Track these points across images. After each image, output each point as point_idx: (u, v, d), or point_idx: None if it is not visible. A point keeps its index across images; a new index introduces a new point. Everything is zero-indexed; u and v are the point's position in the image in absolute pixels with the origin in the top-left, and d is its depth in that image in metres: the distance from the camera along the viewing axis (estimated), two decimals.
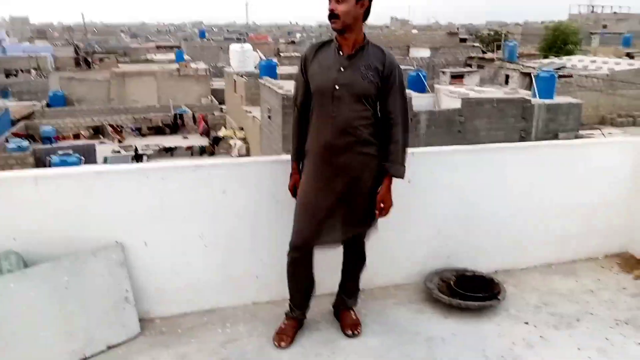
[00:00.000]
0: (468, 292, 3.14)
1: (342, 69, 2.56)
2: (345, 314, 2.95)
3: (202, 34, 62.90)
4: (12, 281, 2.52)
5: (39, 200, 2.74)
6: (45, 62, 42.41)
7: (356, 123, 2.57)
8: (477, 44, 45.19)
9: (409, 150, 3.31)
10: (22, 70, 41.51)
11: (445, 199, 3.46)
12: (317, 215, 2.66)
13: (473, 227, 3.55)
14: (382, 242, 3.07)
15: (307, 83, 2.67)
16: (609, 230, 3.91)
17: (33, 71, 39.77)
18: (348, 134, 2.57)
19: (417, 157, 3.34)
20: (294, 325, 2.85)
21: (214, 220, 3.03)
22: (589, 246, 3.90)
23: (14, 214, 2.72)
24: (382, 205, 2.69)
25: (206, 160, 3.07)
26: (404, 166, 2.71)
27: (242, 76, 22.66)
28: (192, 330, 2.91)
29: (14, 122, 25.50)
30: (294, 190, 2.81)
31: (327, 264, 2.91)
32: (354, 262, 2.90)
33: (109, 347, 2.71)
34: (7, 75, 40.07)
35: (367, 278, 3.06)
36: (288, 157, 3.22)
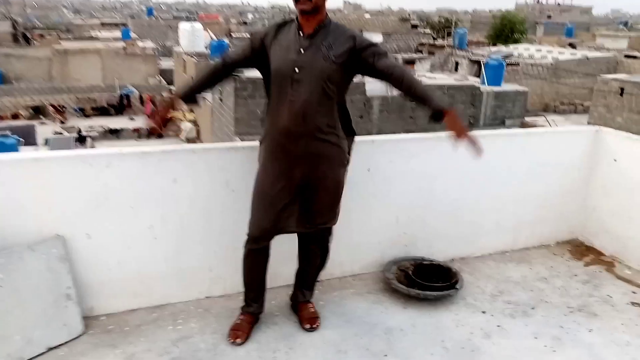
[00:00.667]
0: (426, 281, 3.12)
1: (302, 51, 2.41)
2: (304, 307, 2.86)
3: (149, 12, 60.64)
4: None
5: None
6: None
7: (316, 108, 2.43)
8: (428, 31, 45.74)
9: (368, 138, 3.25)
10: None
11: (403, 187, 3.41)
12: (275, 205, 2.53)
13: (430, 216, 3.53)
14: (341, 231, 2.97)
15: (256, 56, 2.52)
16: (560, 217, 4.00)
17: None
18: (307, 120, 2.43)
19: (376, 145, 3.28)
20: (249, 320, 2.73)
21: (164, 210, 2.85)
22: (541, 233, 3.97)
23: None
24: (458, 133, 2.39)
25: (155, 147, 2.87)
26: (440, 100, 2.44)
27: (192, 56, 22.01)
28: (140, 328, 2.74)
29: None
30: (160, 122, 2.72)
31: (283, 254, 2.81)
32: (316, 257, 2.79)
33: (49, 349, 2.51)
34: None
35: (325, 269, 2.97)
36: (243, 143, 3.08)
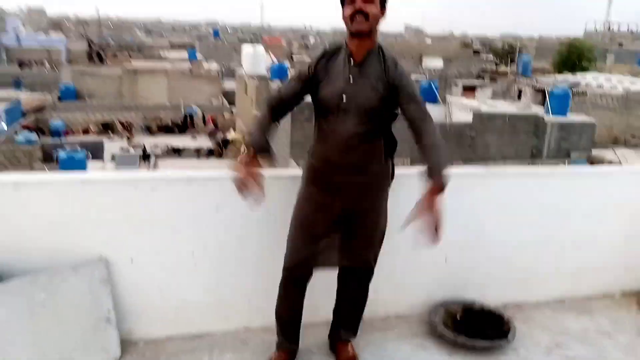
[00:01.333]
0: (475, 328, 2.93)
1: (350, 79, 2.34)
2: (342, 348, 2.74)
3: (215, 34, 63.07)
4: None
5: (19, 208, 2.56)
6: (59, 54, 42.66)
7: (361, 139, 2.36)
8: (490, 57, 44.93)
9: (416, 171, 3.12)
10: (35, 62, 41.78)
11: (454, 225, 3.21)
12: (313, 236, 2.46)
13: (482, 256, 3.34)
14: (386, 268, 2.85)
15: (305, 86, 2.42)
16: (627, 265, 3.68)
17: (46, 63, 40.00)
18: (350, 151, 2.36)
19: (424, 180, 3.14)
20: (284, 357, 2.64)
21: (206, 237, 2.84)
22: (605, 282, 3.66)
23: None
24: (426, 217, 2.24)
25: (199, 173, 2.87)
26: (445, 174, 2.29)
27: (253, 78, 22.56)
28: (176, 356, 2.71)
29: (24, 114, 25.58)
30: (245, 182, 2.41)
31: (323, 288, 2.71)
32: (354, 295, 2.69)
33: None
34: (21, 65, 40.35)
35: (368, 306, 2.83)
36: (287, 172, 3.03)
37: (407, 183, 2.67)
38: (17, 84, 35.25)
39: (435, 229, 2.28)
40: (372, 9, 2.27)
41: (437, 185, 2.28)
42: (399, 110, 2.42)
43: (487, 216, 3.29)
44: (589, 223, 3.53)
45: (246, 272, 2.93)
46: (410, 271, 3.19)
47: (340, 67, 2.38)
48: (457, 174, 3.35)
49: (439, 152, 2.33)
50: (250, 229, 2.88)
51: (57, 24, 74.75)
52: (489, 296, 3.31)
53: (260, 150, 2.43)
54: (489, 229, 3.30)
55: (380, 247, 2.60)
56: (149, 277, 2.80)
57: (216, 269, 2.89)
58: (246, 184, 2.39)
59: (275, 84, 17.21)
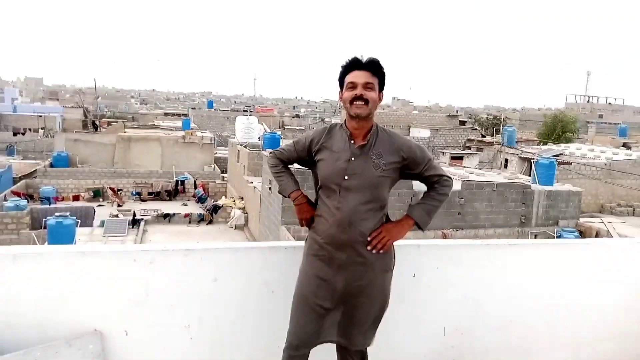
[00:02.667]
0: None
1: (352, 159, 2.43)
2: None
3: (210, 104, 64.48)
4: None
5: (14, 280, 2.54)
6: (54, 122, 43.27)
7: (363, 215, 2.41)
8: (476, 127, 46.20)
9: (414, 242, 3.16)
10: (30, 130, 42.25)
11: (451, 296, 3.25)
12: (316, 313, 2.45)
13: (479, 328, 3.32)
14: (383, 340, 2.82)
15: (305, 160, 2.58)
16: (625, 337, 3.67)
17: (41, 131, 40.45)
18: (353, 228, 2.40)
19: (422, 250, 3.17)
20: None
21: (202, 310, 2.80)
22: (604, 354, 3.63)
23: None
24: (381, 234, 2.42)
25: (198, 244, 2.88)
26: (425, 220, 2.52)
27: (245, 147, 22.93)
28: None
29: (16, 180, 25.55)
30: (310, 221, 2.56)
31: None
32: None
33: None
34: (15, 133, 40.76)
35: None
36: (286, 243, 3.05)
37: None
38: (10, 151, 35.49)
39: (384, 245, 2.45)
40: (372, 95, 2.42)
41: (413, 219, 2.50)
42: (411, 178, 2.56)
43: (484, 287, 3.30)
44: (584, 294, 3.55)
45: (243, 346, 2.88)
46: (408, 343, 3.15)
47: (340, 146, 2.47)
48: (452, 245, 3.42)
49: (436, 205, 2.54)
50: (248, 301, 2.86)
51: (54, 93, 76.25)
52: None
53: (298, 188, 2.62)
54: (486, 300, 3.30)
55: (378, 325, 2.58)
56: (143, 351, 2.73)
57: (212, 343, 2.83)
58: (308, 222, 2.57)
59: (267, 153, 17.48)
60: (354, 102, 2.40)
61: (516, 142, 33.23)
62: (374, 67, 2.44)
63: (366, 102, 2.40)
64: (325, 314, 2.46)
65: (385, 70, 2.48)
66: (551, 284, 3.47)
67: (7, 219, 18.53)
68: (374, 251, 2.42)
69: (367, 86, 2.41)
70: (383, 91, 2.49)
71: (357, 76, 2.41)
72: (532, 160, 21.42)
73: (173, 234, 19.22)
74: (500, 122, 41.65)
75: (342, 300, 2.45)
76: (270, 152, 2.71)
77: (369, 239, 2.41)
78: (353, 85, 2.41)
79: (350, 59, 2.46)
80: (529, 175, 18.80)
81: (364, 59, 2.44)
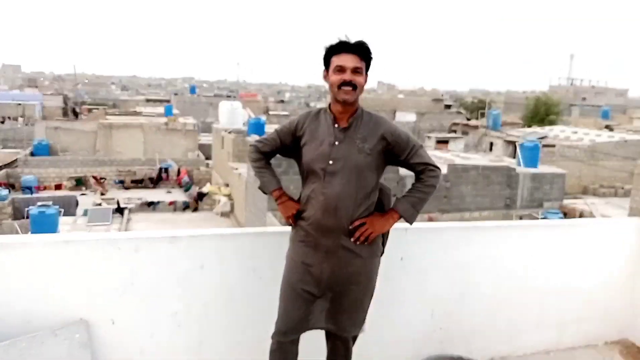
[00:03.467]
0: None
1: (336, 143, 2.39)
2: None
3: (192, 90, 63.72)
4: None
5: None
6: (33, 110, 42.43)
7: (350, 200, 2.38)
8: (461, 111, 46.38)
9: (401, 226, 3.15)
10: (9, 118, 41.42)
11: (439, 279, 3.26)
12: (304, 299, 2.43)
13: (467, 310, 3.34)
14: (371, 324, 2.82)
15: (289, 147, 2.52)
16: (608, 315, 3.73)
17: (20, 119, 39.70)
18: (339, 213, 2.37)
19: (410, 233, 3.17)
20: None
21: (189, 297, 2.78)
22: (588, 332, 3.69)
23: None
24: (364, 226, 2.39)
25: (184, 231, 2.84)
26: (412, 214, 2.46)
27: (230, 133, 22.74)
28: None
29: None
30: (296, 217, 2.50)
31: (313, 348, 2.65)
32: (341, 357, 2.64)
33: None
34: None
35: None
36: (273, 229, 3.03)
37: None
38: None
39: (367, 236, 2.41)
40: (360, 80, 2.37)
41: (399, 213, 2.45)
42: (397, 164, 2.50)
43: (471, 270, 3.32)
44: (568, 274, 3.59)
45: (231, 333, 2.86)
46: (396, 326, 3.16)
47: (324, 130, 2.43)
48: (440, 228, 3.42)
49: (422, 197, 2.47)
50: (235, 287, 2.84)
51: (32, 80, 74.74)
52: (476, 350, 3.29)
53: (279, 186, 2.56)
54: (473, 283, 3.32)
55: (366, 312, 2.57)
56: (130, 339, 2.70)
57: (199, 330, 2.82)
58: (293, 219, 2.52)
59: (252, 138, 17.36)
60: (342, 87, 2.36)
61: (501, 125, 33.47)
62: (363, 51, 2.38)
63: (354, 87, 2.36)
64: (313, 300, 2.44)
65: (372, 54, 2.43)
66: (537, 265, 3.51)
67: None
68: (357, 243, 2.40)
69: (355, 71, 2.36)
70: (368, 73, 2.45)
71: (346, 60, 2.35)
72: (516, 143, 21.59)
73: (158, 222, 19.06)
74: (485, 106, 41.87)
75: (329, 287, 2.43)
76: (251, 145, 2.64)
77: (350, 227, 2.38)
78: (341, 69, 2.35)
79: (338, 39, 2.39)
80: (514, 158, 18.96)
81: (352, 41, 2.38)
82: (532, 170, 16.57)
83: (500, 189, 15.72)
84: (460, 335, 3.31)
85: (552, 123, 37.02)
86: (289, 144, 2.52)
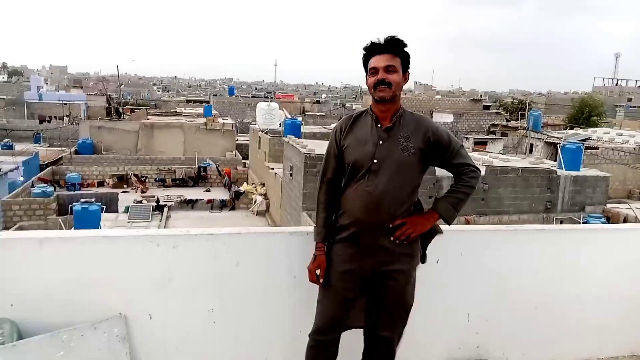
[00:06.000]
0: None
1: (380, 142, 2.41)
2: None
3: (231, 91, 64.62)
4: (2, 354, 2.32)
5: (41, 264, 2.58)
6: (78, 110, 43.89)
7: (392, 199, 2.39)
8: (500, 112, 45.41)
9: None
10: (55, 117, 42.99)
11: (475, 283, 3.20)
12: (344, 296, 2.45)
13: (504, 315, 3.27)
14: (407, 327, 2.80)
15: (340, 158, 2.50)
16: None
17: (66, 118, 41.12)
18: (381, 211, 2.38)
19: (446, 235, 3.12)
20: None
21: (225, 294, 2.82)
22: (632, 342, 3.55)
23: (14, 277, 2.55)
24: (405, 226, 2.39)
25: (221, 229, 2.88)
26: (452, 215, 2.48)
27: (266, 133, 22.94)
28: None
29: (42, 167, 26.07)
30: (314, 273, 2.54)
31: (349, 350, 2.64)
32: None
33: None
34: (41, 121, 41.53)
35: None
36: (308, 228, 3.03)
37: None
38: (36, 138, 36.19)
39: (407, 236, 2.42)
40: (395, 77, 2.38)
41: (439, 214, 2.47)
42: (439, 165, 2.51)
43: (509, 274, 3.24)
44: (612, 280, 3.47)
45: (265, 331, 2.88)
46: (431, 330, 3.12)
47: (367, 131, 2.45)
48: (478, 230, 3.36)
49: (462, 198, 2.49)
50: (270, 285, 2.87)
51: (77, 81, 77.32)
52: (512, 356, 3.22)
53: (324, 240, 2.53)
54: (510, 287, 3.25)
55: (405, 322, 2.56)
56: (166, 335, 2.76)
57: (234, 327, 2.85)
58: (317, 278, 2.52)
59: (288, 138, 17.46)
60: (377, 87, 2.38)
61: (542, 126, 32.60)
62: (394, 48, 2.39)
63: (389, 85, 2.37)
64: (352, 298, 2.45)
65: (407, 48, 2.42)
66: (578, 270, 3.40)
67: (35, 205, 18.93)
68: (397, 242, 2.40)
69: (388, 69, 2.37)
70: (409, 70, 2.44)
71: (378, 60, 2.38)
72: (558, 145, 20.99)
73: (196, 219, 19.39)
74: (526, 107, 40.88)
75: (368, 285, 2.44)
76: (320, 181, 2.59)
77: (390, 226, 2.38)
78: (375, 71, 2.39)
79: (369, 42, 2.42)
80: (555, 161, 18.43)
81: (382, 40, 2.39)
82: (574, 173, 16.06)
83: (540, 191, 15.30)
84: (497, 340, 3.24)
85: (596, 125, 35.83)
86: (339, 150, 2.52)
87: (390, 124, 2.43)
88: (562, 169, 16.39)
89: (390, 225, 2.39)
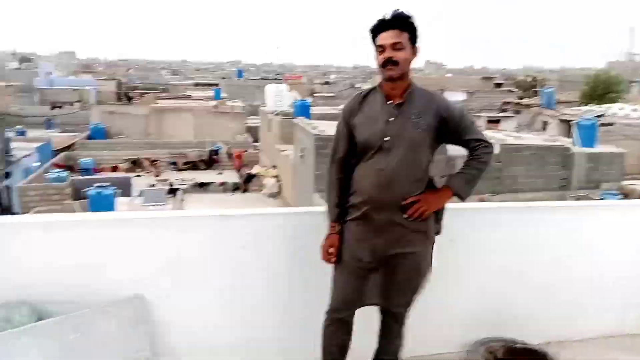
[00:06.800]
0: None
1: (390, 119, 2.36)
2: None
3: (240, 74, 64.41)
4: (21, 336, 2.34)
5: (57, 248, 2.59)
6: (89, 95, 44.07)
7: (404, 176, 2.35)
8: (513, 89, 44.80)
9: (451, 206, 3.06)
10: (66, 103, 43.23)
11: (491, 260, 3.17)
12: (358, 273, 2.42)
13: (521, 292, 3.24)
14: (420, 305, 2.77)
15: (350, 137, 2.45)
16: None
17: (77, 104, 41.34)
18: (393, 189, 2.34)
19: (460, 213, 3.09)
20: None
21: (235, 275, 2.82)
22: None
23: (30, 261, 2.56)
24: (418, 203, 2.35)
25: (231, 210, 2.87)
26: (465, 190, 2.44)
27: (276, 115, 22.87)
28: None
29: (56, 153, 26.31)
30: (328, 252, 2.51)
31: (363, 327, 2.63)
32: (390, 341, 2.62)
33: None
34: (53, 107, 41.79)
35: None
36: (320, 209, 3.00)
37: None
38: (48, 124, 36.46)
39: (420, 214, 2.37)
40: (401, 55, 2.32)
41: (453, 189, 2.43)
42: (451, 142, 2.46)
43: (525, 251, 3.20)
44: (633, 256, 3.41)
45: (278, 312, 2.88)
46: (447, 308, 3.11)
47: (377, 108, 2.40)
48: (492, 208, 3.32)
49: (476, 173, 2.44)
50: (281, 266, 2.86)
51: (86, 67, 77.52)
52: (531, 333, 3.18)
53: (336, 219, 2.50)
54: (527, 265, 3.21)
55: (418, 293, 2.53)
56: (181, 315, 2.77)
57: (248, 308, 2.85)
58: (331, 255, 2.48)
59: (299, 120, 17.39)
60: (386, 66, 2.33)
61: (556, 103, 32.11)
62: (400, 23, 2.32)
63: (396, 63, 2.31)
64: (366, 275, 2.43)
65: (414, 21, 2.34)
66: (595, 247, 3.35)
67: (50, 191, 19.12)
68: (410, 219, 2.36)
69: (395, 47, 2.31)
70: (417, 44, 2.37)
71: (384, 38, 2.32)
72: (572, 122, 20.70)
73: (209, 202, 19.50)
74: (539, 83, 40.29)
75: (381, 262, 2.41)
76: (330, 160, 2.54)
77: (403, 203, 2.35)
78: (382, 49, 2.33)
79: (376, 20, 2.35)
80: (570, 138, 18.20)
81: (389, 16, 2.32)
82: (589, 149, 15.85)
83: (555, 169, 15.13)
84: (514, 318, 3.21)
85: (612, 101, 35.22)
86: (350, 129, 2.47)
87: (401, 100, 2.37)
88: (577, 145, 16.18)
89: (403, 203, 2.36)
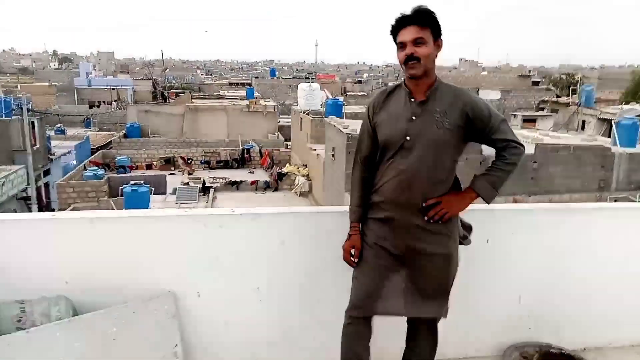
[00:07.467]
0: None
1: (413, 118, 2.30)
2: None
3: (272, 73, 64.84)
4: (59, 330, 2.41)
5: (93, 243, 2.65)
6: (126, 95, 45.15)
7: (425, 178, 2.29)
8: (550, 87, 43.71)
9: (488, 207, 3.00)
10: (104, 102, 44.39)
11: (527, 263, 3.09)
12: (379, 271, 2.38)
13: (559, 296, 3.15)
14: (455, 308, 2.72)
15: (374, 135, 2.41)
16: None
17: (114, 103, 42.38)
18: (413, 190, 2.28)
19: (496, 215, 3.03)
20: None
21: (271, 272, 2.83)
22: None
23: (68, 256, 2.63)
24: (439, 205, 2.29)
25: (266, 209, 2.88)
26: (491, 192, 2.35)
27: (308, 114, 22.93)
28: None
29: (93, 151, 27.05)
30: (349, 252, 2.48)
31: (389, 332, 2.61)
32: (422, 348, 2.56)
33: None
34: (91, 106, 42.98)
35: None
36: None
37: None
38: (87, 123, 37.53)
39: (442, 215, 2.31)
40: (424, 50, 2.24)
41: (477, 192, 2.34)
42: (479, 141, 2.38)
43: (562, 254, 3.11)
44: None
45: (310, 310, 2.88)
46: (481, 311, 3.05)
47: (400, 106, 2.35)
48: (529, 210, 3.24)
49: (502, 176, 2.35)
50: (315, 264, 2.85)
51: (124, 67, 79.35)
52: (567, 339, 3.10)
53: (358, 220, 2.48)
54: (564, 268, 3.12)
55: (448, 296, 2.46)
56: (215, 312, 2.80)
57: (280, 306, 2.86)
58: (352, 259, 2.47)
59: (330, 119, 17.38)
60: (407, 63, 2.26)
61: (595, 102, 31.15)
62: (421, 18, 2.25)
63: (418, 60, 2.24)
64: (387, 275, 2.37)
65: (435, 16, 2.27)
66: (637, 251, 3.23)
67: (87, 188, 19.68)
68: (431, 222, 2.31)
69: (416, 42, 2.24)
70: (441, 38, 2.30)
71: (405, 34, 2.25)
72: (612, 121, 20.05)
73: (241, 200, 19.72)
74: (577, 81, 39.18)
75: (403, 262, 2.36)
76: (354, 159, 2.52)
77: (424, 205, 2.29)
78: (403, 45, 2.27)
79: (396, 17, 2.29)
80: (609, 137, 17.63)
81: (409, 12, 2.26)
82: (630, 150, 15.32)
83: (593, 170, 14.69)
84: (551, 323, 3.13)
85: None
86: (373, 126, 2.43)
87: (425, 97, 2.31)
88: (616, 145, 15.67)
89: (424, 205, 2.30)
